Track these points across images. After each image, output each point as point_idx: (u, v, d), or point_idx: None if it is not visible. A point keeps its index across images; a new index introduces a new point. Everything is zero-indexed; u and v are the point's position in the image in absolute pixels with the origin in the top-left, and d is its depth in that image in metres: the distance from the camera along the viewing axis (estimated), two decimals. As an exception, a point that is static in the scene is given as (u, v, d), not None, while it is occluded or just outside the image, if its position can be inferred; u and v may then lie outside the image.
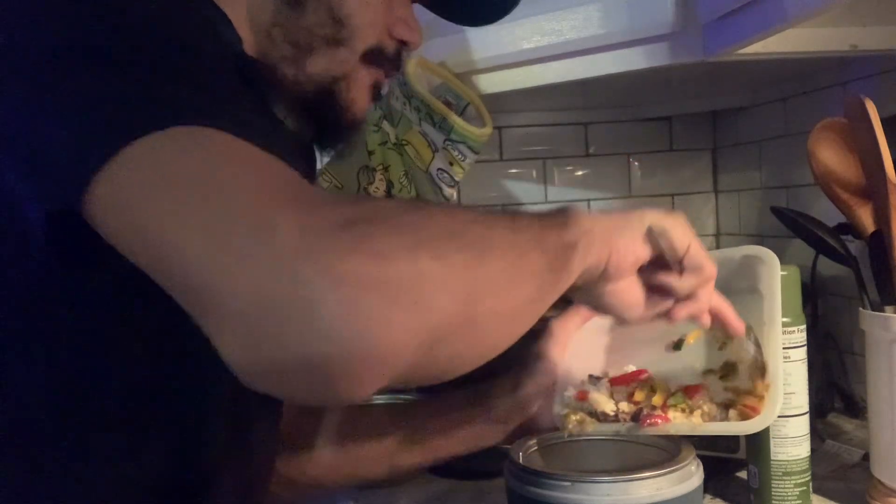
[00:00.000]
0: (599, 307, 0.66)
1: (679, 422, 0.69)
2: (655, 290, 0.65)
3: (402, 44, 0.73)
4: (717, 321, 0.69)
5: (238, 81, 0.57)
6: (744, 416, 0.68)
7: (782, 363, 0.67)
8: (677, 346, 0.74)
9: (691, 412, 0.69)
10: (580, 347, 0.80)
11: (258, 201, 0.42)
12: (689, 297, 0.66)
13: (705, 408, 0.69)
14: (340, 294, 0.40)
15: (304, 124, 0.69)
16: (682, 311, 0.66)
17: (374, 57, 0.71)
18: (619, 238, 0.61)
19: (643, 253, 0.63)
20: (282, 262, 0.40)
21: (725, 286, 0.71)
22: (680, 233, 0.64)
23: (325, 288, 0.40)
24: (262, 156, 0.46)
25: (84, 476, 0.56)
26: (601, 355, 0.78)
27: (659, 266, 0.65)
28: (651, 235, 0.63)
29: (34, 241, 0.50)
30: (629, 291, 0.64)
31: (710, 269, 0.66)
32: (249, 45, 0.67)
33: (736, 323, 0.69)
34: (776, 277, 0.69)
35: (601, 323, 0.79)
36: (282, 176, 0.46)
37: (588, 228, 0.58)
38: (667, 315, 0.67)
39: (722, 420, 0.69)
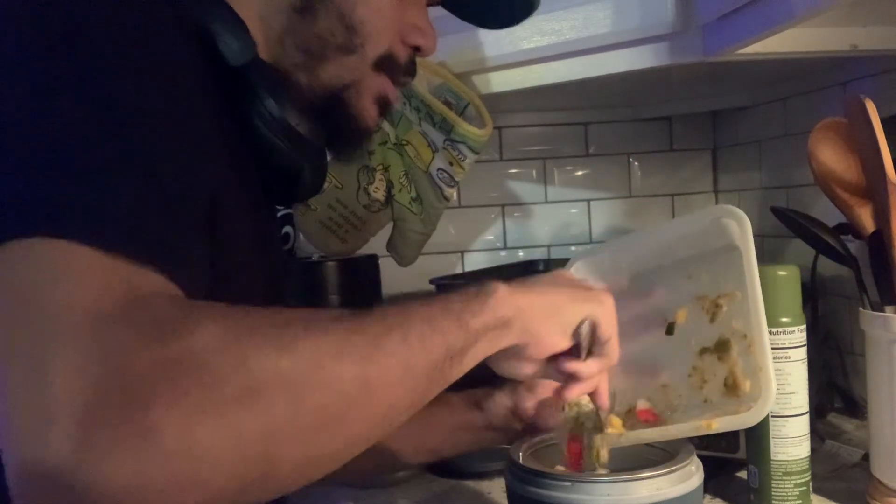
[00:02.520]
0: (494, 367, 0.65)
1: (677, 424, 0.70)
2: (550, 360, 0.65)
3: (416, 50, 0.72)
4: (594, 394, 0.70)
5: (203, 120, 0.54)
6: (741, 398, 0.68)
7: (768, 334, 0.67)
8: (669, 330, 0.74)
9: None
10: None
11: (56, 334, 0.41)
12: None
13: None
14: (97, 467, 0.39)
15: (317, 130, 0.68)
16: (574, 392, 0.67)
17: (385, 64, 0.71)
18: (542, 330, 0.61)
19: (562, 345, 0.63)
20: (47, 418, 0.39)
21: (702, 248, 0.71)
22: (607, 325, 0.64)
23: (82, 457, 0.38)
24: (107, 270, 0.43)
25: None
26: None
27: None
28: (577, 329, 0.63)
29: None
30: (528, 366, 0.64)
31: (615, 360, 0.67)
32: (263, 52, 0.67)
33: (605, 401, 0.70)
34: (748, 231, 0.69)
35: None
36: (115, 298, 0.42)
37: (507, 317, 0.58)
38: (557, 393, 0.68)
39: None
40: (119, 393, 0.39)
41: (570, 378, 0.66)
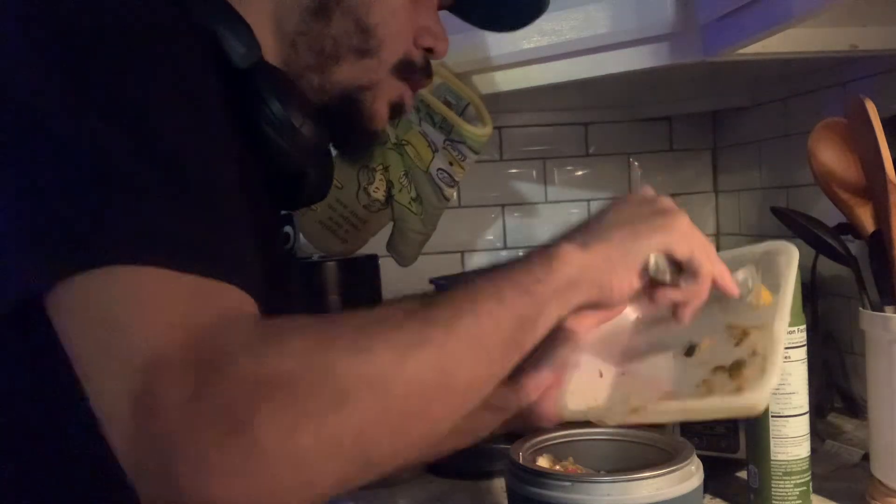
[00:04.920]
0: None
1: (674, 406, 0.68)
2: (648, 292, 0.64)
3: (428, 52, 0.73)
4: (715, 286, 0.67)
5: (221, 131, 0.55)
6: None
7: (784, 344, 0.65)
8: (689, 352, 0.73)
9: None
10: (596, 344, 0.78)
11: (153, 363, 0.43)
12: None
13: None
14: (213, 487, 0.41)
15: (322, 132, 0.68)
16: (686, 314, 0.65)
17: (404, 69, 0.71)
18: (613, 278, 0.60)
19: (639, 283, 0.62)
20: (154, 443, 0.41)
21: None
22: (681, 247, 0.62)
23: (198, 480, 0.41)
24: (191, 293, 0.45)
25: None
26: (618, 355, 0.77)
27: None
28: (649, 265, 0.61)
29: None
30: (607, 314, 0.64)
31: (708, 275, 0.64)
32: (273, 54, 0.67)
33: (731, 287, 0.67)
34: (792, 266, 0.68)
35: (622, 321, 0.79)
36: (201, 321, 0.45)
37: (575, 277, 0.57)
38: (673, 316, 0.65)
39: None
40: (220, 414, 0.41)
41: (675, 306, 0.64)
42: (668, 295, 0.64)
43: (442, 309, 0.51)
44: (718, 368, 0.69)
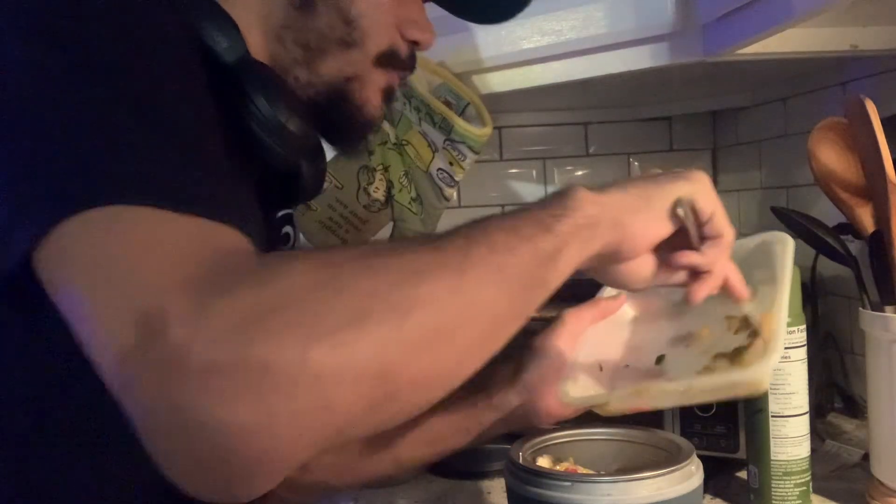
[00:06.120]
0: (605, 281, 0.64)
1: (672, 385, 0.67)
2: (666, 257, 0.63)
3: (414, 44, 0.73)
4: (725, 287, 0.67)
5: (211, 119, 0.55)
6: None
7: (786, 321, 0.65)
8: (688, 342, 0.73)
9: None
10: (595, 339, 0.78)
11: (158, 293, 0.42)
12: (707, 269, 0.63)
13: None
14: (224, 407, 0.40)
15: (312, 127, 0.68)
16: (702, 291, 0.63)
17: (387, 59, 0.71)
18: (634, 220, 0.58)
19: (662, 232, 0.61)
20: (165, 369, 0.40)
21: (748, 279, 0.70)
22: (705, 201, 0.61)
23: (208, 401, 0.40)
24: (189, 231, 0.45)
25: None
26: (618, 349, 0.77)
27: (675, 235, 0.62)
28: (675, 211, 0.60)
29: None
30: (640, 267, 0.62)
31: (730, 236, 0.63)
32: (261, 49, 0.68)
33: (741, 290, 0.67)
34: (789, 255, 0.68)
35: (620, 317, 0.79)
36: (202, 255, 0.44)
37: (593, 215, 0.55)
38: (686, 297, 0.64)
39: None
40: (231, 338, 0.40)
41: (692, 276, 0.63)
42: (688, 257, 0.62)
43: (455, 239, 0.49)
44: (719, 356, 0.69)
